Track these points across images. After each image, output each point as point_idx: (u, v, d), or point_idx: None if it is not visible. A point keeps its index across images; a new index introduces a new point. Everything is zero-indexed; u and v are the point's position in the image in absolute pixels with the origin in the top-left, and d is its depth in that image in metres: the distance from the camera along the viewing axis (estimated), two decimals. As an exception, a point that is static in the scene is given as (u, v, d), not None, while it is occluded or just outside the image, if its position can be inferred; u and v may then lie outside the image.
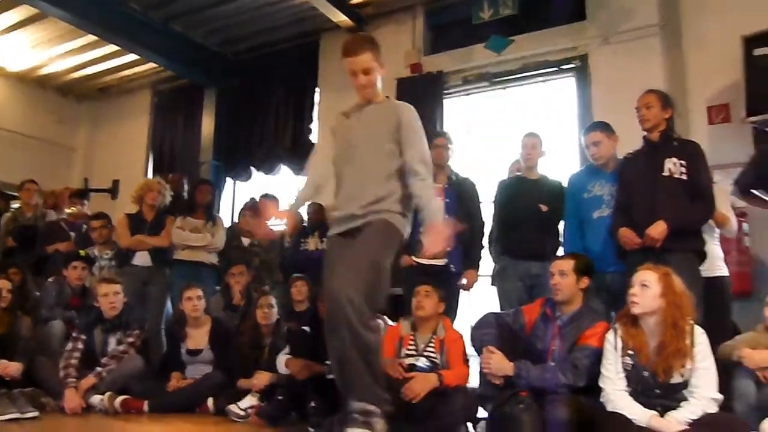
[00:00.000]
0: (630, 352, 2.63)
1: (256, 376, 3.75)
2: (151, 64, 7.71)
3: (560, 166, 4.83)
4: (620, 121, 3.74)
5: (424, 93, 6.13)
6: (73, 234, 5.48)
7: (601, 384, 2.65)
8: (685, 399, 2.51)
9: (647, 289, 2.61)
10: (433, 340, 3.30)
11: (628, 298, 2.66)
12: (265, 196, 5.74)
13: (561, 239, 3.92)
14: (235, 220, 5.82)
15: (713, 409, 2.48)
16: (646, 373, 2.58)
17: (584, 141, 3.73)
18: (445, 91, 6.23)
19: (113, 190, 8.30)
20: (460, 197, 4.02)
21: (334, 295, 2.38)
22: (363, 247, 2.52)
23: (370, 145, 2.67)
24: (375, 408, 2.36)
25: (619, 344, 2.67)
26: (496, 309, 3.83)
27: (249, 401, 3.63)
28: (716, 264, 3.66)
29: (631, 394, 2.58)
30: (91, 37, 6.98)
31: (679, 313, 2.55)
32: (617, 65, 5.36)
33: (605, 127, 3.68)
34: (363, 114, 2.77)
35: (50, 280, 4.76)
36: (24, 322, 4.28)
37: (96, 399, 3.75)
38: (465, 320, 4.22)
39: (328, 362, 3.52)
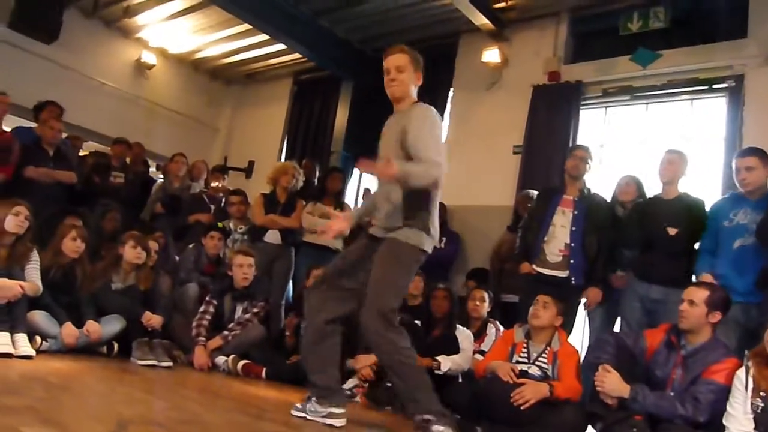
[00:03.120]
0: (762, 393, 2.48)
1: (357, 358, 3.91)
2: (295, 54, 8.10)
3: (701, 190, 4.57)
4: (775, 148, 3.49)
5: (559, 102, 6.02)
6: (212, 207, 5.93)
7: (725, 422, 2.53)
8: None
9: None
10: (546, 351, 3.28)
11: (766, 336, 2.49)
12: None
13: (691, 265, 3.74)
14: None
15: None
16: (778, 418, 2.42)
17: (735, 164, 3.51)
18: (583, 102, 6.07)
19: (248, 170, 8.83)
20: (589, 211, 3.94)
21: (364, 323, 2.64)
22: (373, 273, 2.68)
23: (391, 153, 2.69)
24: (432, 417, 2.49)
25: (751, 384, 2.52)
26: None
27: (352, 382, 3.80)
28: None
29: (757, 438, 2.44)
30: (245, 26, 7.47)
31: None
32: (776, 88, 4.97)
33: (762, 154, 3.45)
34: (392, 121, 2.86)
35: (190, 246, 5.20)
36: (165, 281, 4.72)
37: (221, 359, 4.08)
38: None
39: (437, 357, 3.62)
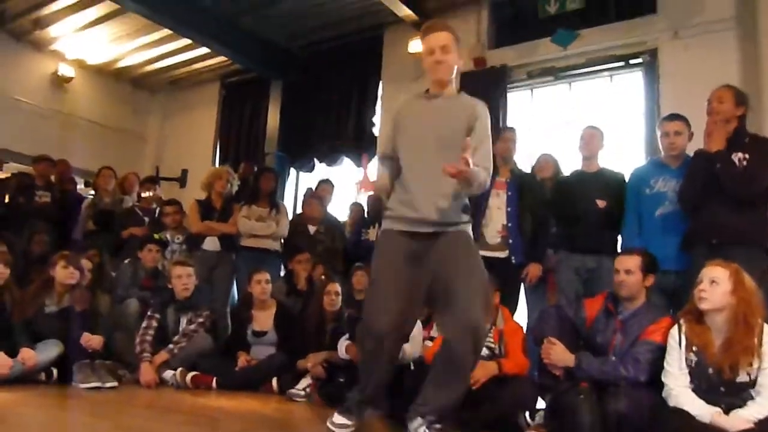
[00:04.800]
0: (694, 348, 2.61)
1: (308, 357, 3.90)
2: (220, 58, 7.97)
3: (624, 162, 4.77)
4: (689, 118, 3.64)
5: (487, 87, 6.11)
6: (146, 219, 5.76)
7: (663, 379, 2.64)
8: (751, 398, 2.48)
9: (717, 286, 2.57)
10: (492, 330, 3.34)
11: (695, 293, 2.62)
12: (324, 181, 5.92)
13: (619, 233, 3.89)
14: (299, 208, 5.98)
15: (781, 409, 2.43)
16: (710, 371, 2.55)
17: (663, 129, 3.63)
18: (509, 85, 6.22)
19: (182, 179, 8.63)
20: (522, 191, 4.04)
21: (470, 324, 2.37)
22: (471, 271, 2.47)
23: (444, 141, 2.51)
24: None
25: (684, 340, 2.64)
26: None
27: (305, 382, 3.79)
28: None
29: (694, 391, 2.56)
30: (165, 32, 7.29)
31: (749, 310, 2.51)
32: (688, 60, 5.21)
33: (686, 121, 3.61)
34: (435, 106, 2.61)
35: (126, 261, 5.03)
36: (103, 299, 4.55)
37: (168, 374, 3.98)
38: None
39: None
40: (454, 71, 2.60)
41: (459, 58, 2.59)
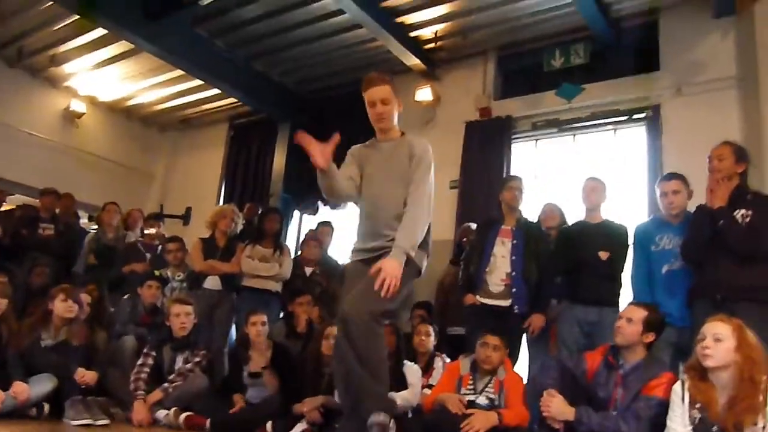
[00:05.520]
0: (698, 405, 2.56)
1: (304, 402, 3.84)
2: (230, 99, 8.12)
3: (627, 215, 4.79)
4: (691, 174, 3.69)
5: (492, 137, 6.24)
6: (148, 255, 5.76)
7: (666, 436, 2.59)
8: (756, 458, 2.42)
9: (720, 343, 2.53)
10: (492, 381, 3.30)
11: (698, 350, 2.58)
12: (323, 223, 5.94)
13: (622, 286, 3.90)
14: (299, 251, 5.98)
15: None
16: (714, 429, 2.50)
17: (662, 189, 3.68)
18: (514, 136, 6.31)
19: (186, 217, 8.68)
20: (528, 240, 4.04)
21: (342, 315, 2.56)
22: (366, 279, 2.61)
23: (387, 182, 2.77)
24: (387, 418, 2.52)
25: (687, 397, 2.60)
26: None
27: (300, 426, 3.71)
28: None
29: (697, 449, 2.51)
30: (177, 72, 7.44)
31: (755, 367, 2.47)
32: (690, 117, 5.30)
33: (683, 179, 3.65)
34: (380, 150, 2.87)
35: (125, 297, 5.01)
36: (100, 335, 4.51)
37: (161, 413, 3.90)
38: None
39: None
40: (395, 118, 2.84)
41: (399, 105, 2.83)
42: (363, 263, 2.78)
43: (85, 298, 4.31)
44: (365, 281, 2.58)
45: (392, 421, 2.55)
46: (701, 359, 2.58)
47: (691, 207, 3.58)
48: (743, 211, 3.25)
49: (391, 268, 2.49)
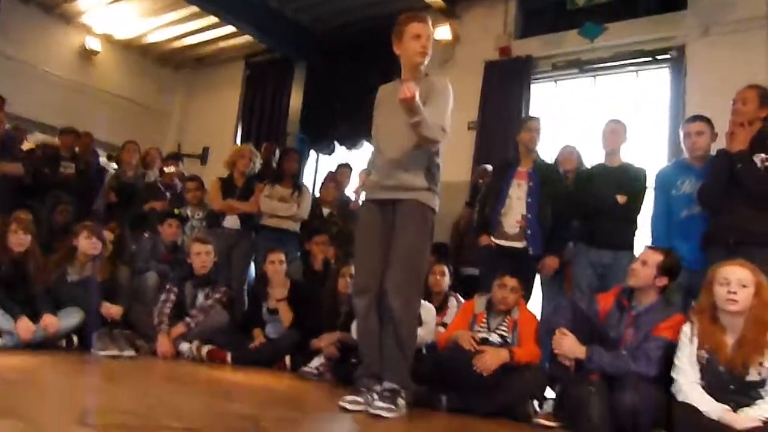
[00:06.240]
0: (706, 346, 2.61)
1: (322, 337, 3.96)
2: (246, 37, 7.99)
3: (647, 159, 4.74)
4: (715, 117, 3.63)
5: (511, 77, 6.12)
6: (168, 194, 5.83)
7: (673, 374, 2.64)
8: (760, 397, 2.48)
9: (746, 289, 2.54)
10: (506, 320, 3.37)
11: (723, 294, 2.57)
12: (343, 165, 5.95)
13: (638, 229, 3.91)
14: (317, 191, 6.01)
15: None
16: (721, 368, 2.55)
17: (686, 130, 3.64)
18: (533, 77, 6.19)
19: (203, 156, 8.71)
20: (544, 182, 4.03)
21: (390, 311, 2.68)
22: (402, 239, 2.75)
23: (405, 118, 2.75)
24: (401, 389, 2.64)
25: (696, 337, 2.65)
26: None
27: (318, 361, 3.85)
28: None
29: (703, 388, 2.56)
30: (192, 9, 7.32)
31: (766, 310, 2.50)
32: (716, 58, 5.14)
33: (708, 121, 3.60)
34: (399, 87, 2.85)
35: (146, 235, 5.11)
36: (122, 271, 4.64)
37: (185, 346, 4.06)
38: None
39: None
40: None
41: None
42: (378, 207, 2.86)
43: (108, 235, 4.41)
44: (400, 257, 2.71)
45: (403, 393, 2.67)
46: (725, 304, 2.57)
47: (714, 151, 3.54)
48: (763, 155, 3.20)
49: (408, 90, 2.53)
